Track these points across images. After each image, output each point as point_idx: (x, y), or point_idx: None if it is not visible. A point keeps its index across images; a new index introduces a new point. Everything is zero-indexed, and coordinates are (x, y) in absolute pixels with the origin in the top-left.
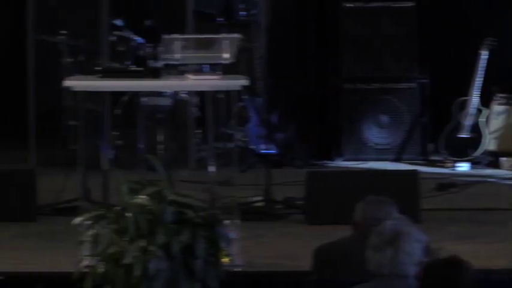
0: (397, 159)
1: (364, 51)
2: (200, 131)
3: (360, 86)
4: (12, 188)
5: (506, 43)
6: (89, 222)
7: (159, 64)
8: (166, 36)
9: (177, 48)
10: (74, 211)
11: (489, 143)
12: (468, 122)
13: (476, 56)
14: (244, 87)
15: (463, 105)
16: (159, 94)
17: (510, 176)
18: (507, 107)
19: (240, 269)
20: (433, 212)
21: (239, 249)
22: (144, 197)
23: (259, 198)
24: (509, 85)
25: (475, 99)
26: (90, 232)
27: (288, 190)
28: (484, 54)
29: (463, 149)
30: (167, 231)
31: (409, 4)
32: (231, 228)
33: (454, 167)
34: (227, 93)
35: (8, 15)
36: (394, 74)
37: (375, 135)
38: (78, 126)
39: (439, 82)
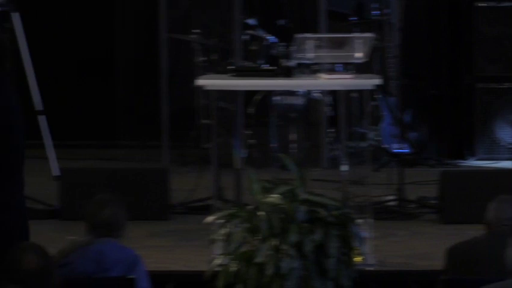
0: None
1: (496, 51)
2: (333, 130)
3: (493, 86)
4: (145, 186)
5: None
6: (222, 221)
7: (292, 63)
8: (299, 36)
9: (309, 47)
10: (207, 210)
11: None
12: None
13: None
14: (377, 86)
15: None
16: (291, 93)
17: None
18: None
19: (372, 268)
20: None
21: (372, 248)
22: (276, 195)
23: (392, 197)
24: None
25: None
26: (223, 231)
27: (421, 189)
28: None
29: None
30: (300, 230)
31: None
32: (364, 227)
33: None
34: (360, 92)
35: (142, 14)
36: None
37: (507, 134)
38: (211, 125)
39: None
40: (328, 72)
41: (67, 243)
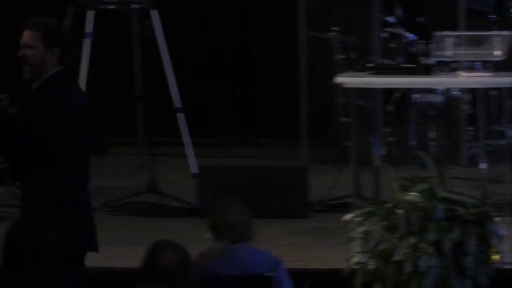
0: None
1: None
2: (472, 128)
3: None
4: (284, 184)
5: None
6: (360, 219)
7: (431, 61)
8: (438, 33)
9: (448, 45)
10: (345, 208)
11: None
12: None
13: None
14: None
15: None
16: (431, 91)
17: None
18: None
19: (510, 267)
20: None
21: (510, 246)
22: (415, 193)
23: None
24: None
25: None
26: (361, 229)
27: None
28: None
29: None
30: (438, 228)
31: None
32: (502, 225)
33: None
34: (499, 90)
35: (281, 12)
36: None
37: None
38: (350, 123)
39: None
40: (467, 70)
41: (207, 248)
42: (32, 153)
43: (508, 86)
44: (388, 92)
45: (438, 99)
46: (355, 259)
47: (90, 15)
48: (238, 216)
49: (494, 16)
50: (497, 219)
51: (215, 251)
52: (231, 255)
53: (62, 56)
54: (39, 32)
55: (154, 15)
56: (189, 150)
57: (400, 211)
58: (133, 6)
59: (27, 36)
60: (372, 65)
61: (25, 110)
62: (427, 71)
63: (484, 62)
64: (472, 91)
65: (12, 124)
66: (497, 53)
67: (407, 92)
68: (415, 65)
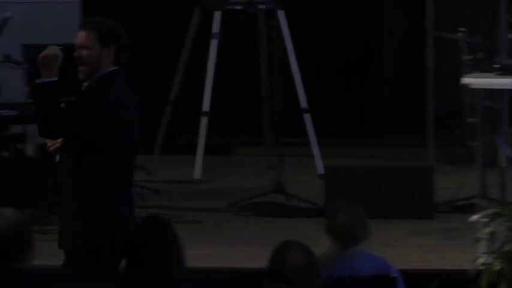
0: None
1: None
2: None
3: None
4: (410, 185)
5: None
6: (486, 219)
7: None
8: None
9: None
10: (471, 208)
11: None
12: None
13: None
14: None
15: None
16: None
17: None
18: None
19: None
20: None
21: None
22: None
23: None
24: None
25: None
26: (487, 229)
27: None
28: None
29: None
30: None
31: None
32: None
33: None
34: None
35: (408, 12)
36: None
37: None
38: (476, 124)
39: None
40: None
41: (320, 254)
42: (75, 147)
43: None
44: None
45: None
46: (481, 260)
47: (217, 16)
48: (347, 220)
49: None
50: None
51: (327, 256)
52: (340, 261)
53: (118, 55)
54: (94, 32)
55: (281, 15)
56: (316, 151)
57: None
58: (260, 6)
59: (82, 37)
60: (499, 65)
61: (75, 105)
62: None
63: None
64: None
65: (58, 113)
66: None
67: None
68: None
